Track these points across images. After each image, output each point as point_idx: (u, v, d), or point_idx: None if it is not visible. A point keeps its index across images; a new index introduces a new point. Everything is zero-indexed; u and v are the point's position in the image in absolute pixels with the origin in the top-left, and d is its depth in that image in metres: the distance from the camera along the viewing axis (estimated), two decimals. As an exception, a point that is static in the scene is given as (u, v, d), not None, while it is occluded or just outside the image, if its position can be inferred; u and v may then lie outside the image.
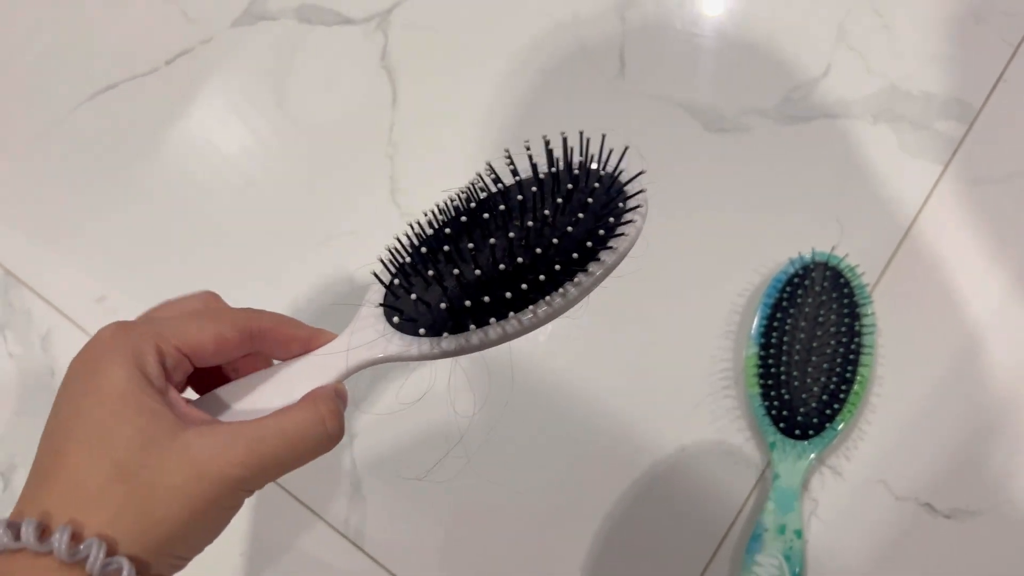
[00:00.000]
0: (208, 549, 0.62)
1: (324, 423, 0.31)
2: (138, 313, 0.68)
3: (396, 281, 0.35)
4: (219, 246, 0.70)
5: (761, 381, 0.56)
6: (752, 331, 0.58)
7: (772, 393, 0.56)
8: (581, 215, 0.34)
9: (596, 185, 0.36)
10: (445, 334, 0.33)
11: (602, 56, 0.71)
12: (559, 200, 0.34)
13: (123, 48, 0.77)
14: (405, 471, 0.62)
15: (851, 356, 0.55)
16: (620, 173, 0.38)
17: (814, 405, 0.55)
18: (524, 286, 0.32)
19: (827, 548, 0.56)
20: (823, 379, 0.55)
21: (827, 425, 0.55)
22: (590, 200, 0.35)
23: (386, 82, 0.73)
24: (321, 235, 0.69)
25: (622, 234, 0.36)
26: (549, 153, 0.38)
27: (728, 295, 0.63)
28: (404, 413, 0.63)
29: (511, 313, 0.33)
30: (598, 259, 0.35)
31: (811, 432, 0.55)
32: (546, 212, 0.33)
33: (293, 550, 0.61)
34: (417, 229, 0.37)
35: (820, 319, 0.56)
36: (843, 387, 0.55)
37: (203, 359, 0.31)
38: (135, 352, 0.30)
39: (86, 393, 0.28)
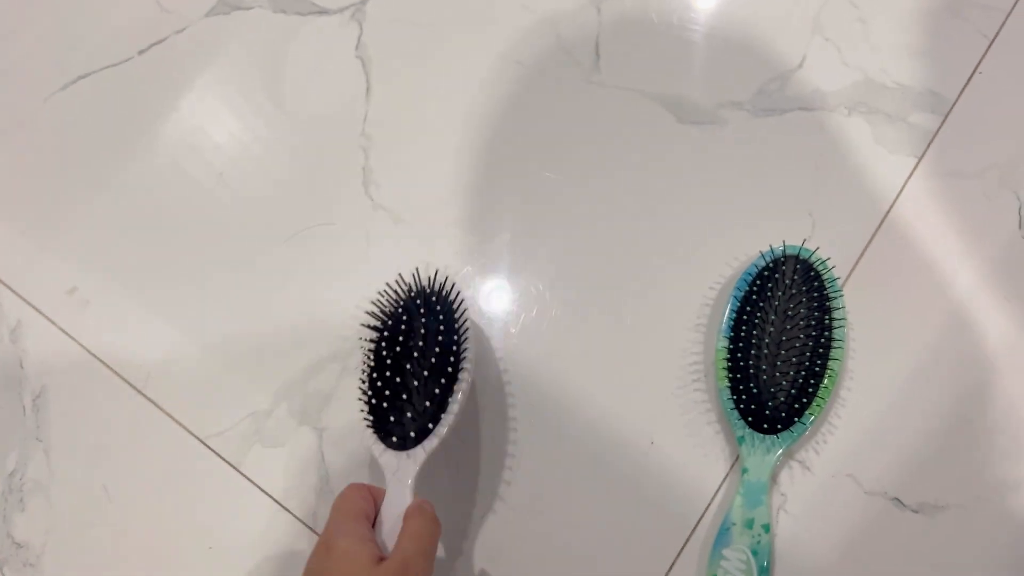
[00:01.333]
0: (176, 543, 0.61)
1: (425, 516, 0.49)
2: (107, 305, 0.67)
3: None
4: (190, 238, 0.69)
5: (730, 375, 0.56)
6: (722, 324, 0.58)
7: (741, 387, 0.55)
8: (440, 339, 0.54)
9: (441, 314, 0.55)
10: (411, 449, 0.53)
11: (578, 49, 0.70)
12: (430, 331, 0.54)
13: (96, 37, 0.76)
14: (374, 464, 0.62)
15: (820, 350, 0.55)
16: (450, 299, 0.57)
17: (783, 399, 0.54)
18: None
19: (795, 542, 0.56)
20: (792, 373, 0.55)
21: (796, 419, 0.54)
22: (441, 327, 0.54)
23: (360, 73, 0.73)
24: (293, 227, 0.68)
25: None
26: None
27: (700, 288, 0.62)
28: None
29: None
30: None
31: (780, 426, 0.54)
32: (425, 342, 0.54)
33: (261, 543, 0.61)
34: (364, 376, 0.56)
35: (790, 312, 0.56)
36: (812, 381, 0.54)
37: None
38: (357, 522, 0.49)
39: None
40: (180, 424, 0.64)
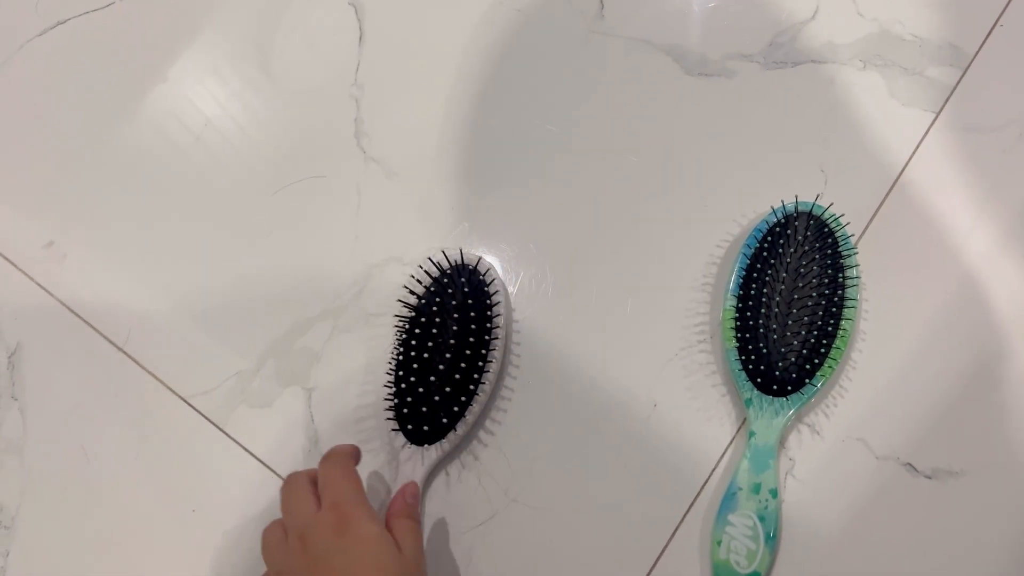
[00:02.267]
0: (158, 505, 0.59)
1: (411, 515, 0.50)
2: (86, 260, 0.64)
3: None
4: (174, 191, 0.66)
5: (738, 335, 0.54)
6: (730, 283, 0.55)
7: (750, 347, 0.53)
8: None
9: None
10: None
11: (581, -4, 0.67)
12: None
13: (75, -19, 0.73)
14: (364, 425, 0.59)
15: (833, 309, 0.52)
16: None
17: (793, 360, 0.52)
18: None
19: (804, 508, 0.54)
20: (803, 333, 0.52)
21: (806, 381, 0.52)
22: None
23: (353, 19, 0.69)
24: (282, 180, 0.65)
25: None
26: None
27: (706, 246, 0.60)
28: (362, 366, 0.60)
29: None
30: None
31: (789, 388, 0.52)
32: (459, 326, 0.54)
33: (246, 505, 0.58)
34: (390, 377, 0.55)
35: (802, 271, 0.53)
36: (824, 342, 0.52)
37: None
38: (362, 495, 0.48)
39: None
40: (162, 383, 0.62)
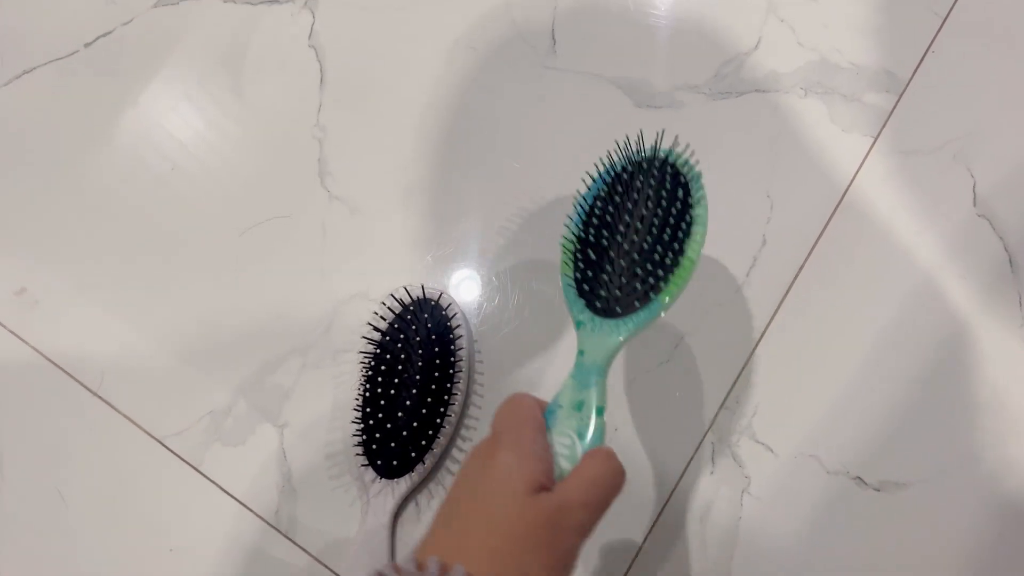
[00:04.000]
0: (136, 547, 0.60)
1: (609, 462, 0.40)
2: (57, 305, 0.66)
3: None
4: (143, 234, 0.68)
5: (580, 266, 0.49)
6: (573, 218, 0.51)
7: (590, 274, 0.48)
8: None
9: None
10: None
11: (534, 33, 0.69)
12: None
13: (40, 30, 0.74)
14: (335, 460, 0.61)
15: (677, 241, 0.46)
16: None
17: (636, 287, 0.46)
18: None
19: (761, 524, 0.56)
20: (641, 261, 0.46)
21: (637, 304, 0.46)
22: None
23: (314, 62, 0.71)
24: (249, 221, 0.67)
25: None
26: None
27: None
28: (331, 402, 0.62)
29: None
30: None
31: (619, 310, 0.46)
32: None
33: (223, 543, 0.60)
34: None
35: (645, 202, 0.48)
36: (667, 264, 0.46)
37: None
38: (520, 440, 0.40)
39: (477, 468, 0.40)
40: (137, 425, 0.63)
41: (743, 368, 0.59)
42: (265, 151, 0.69)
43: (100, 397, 0.64)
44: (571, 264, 0.49)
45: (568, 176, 0.65)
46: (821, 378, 0.59)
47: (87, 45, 0.74)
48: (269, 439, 0.61)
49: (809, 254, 0.61)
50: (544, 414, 0.44)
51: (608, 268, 0.47)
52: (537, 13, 0.69)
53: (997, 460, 0.56)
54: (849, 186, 0.62)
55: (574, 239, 0.50)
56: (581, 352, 0.47)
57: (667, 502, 0.57)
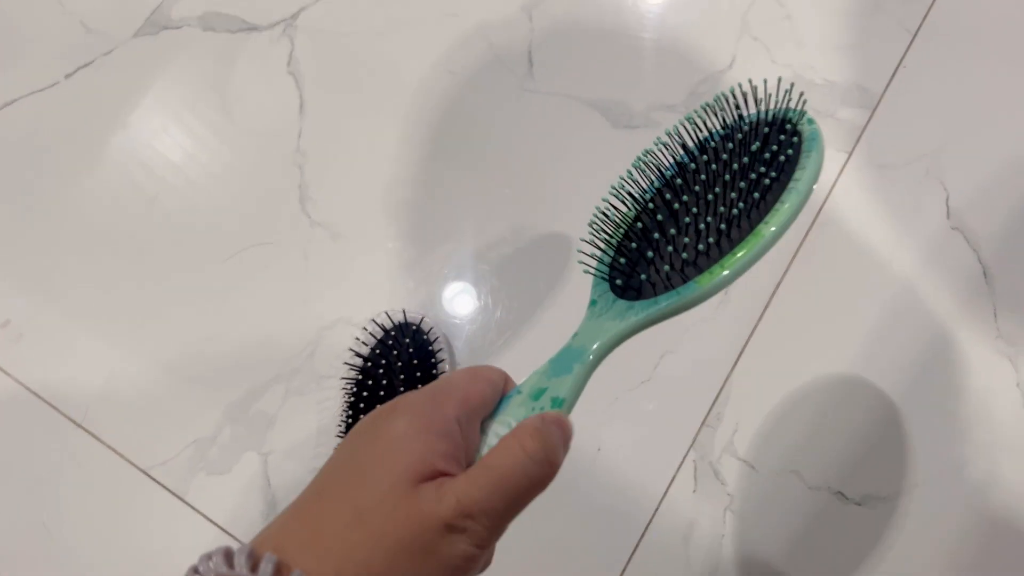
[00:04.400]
0: (121, 573, 0.60)
1: (524, 449, 0.29)
2: (42, 338, 0.66)
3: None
4: (126, 265, 0.68)
5: (626, 236, 0.38)
6: (638, 182, 0.40)
7: (633, 245, 0.37)
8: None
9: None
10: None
11: (511, 56, 0.70)
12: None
13: (20, 62, 0.75)
14: (321, 486, 0.61)
15: (756, 209, 0.34)
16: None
17: (679, 264, 0.35)
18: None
19: (743, 542, 0.56)
20: (702, 235, 0.35)
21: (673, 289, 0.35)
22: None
23: (293, 88, 0.72)
24: (231, 249, 0.67)
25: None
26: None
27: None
28: (315, 428, 0.62)
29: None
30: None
31: (635, 293, 0.36)
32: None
33: (208, 573, 0.60)
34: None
35: (730, 163, 0.36)
36: (728, 238, 0.34)
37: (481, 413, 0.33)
38: (427, 408, 0.30)
39: (363, 436, 0.30)
40: (122, 456, 0.63)
41: (723, 385, 0.60)
42: (246, 178, 0.69)
43: (85, 429, 0.64)
44: (612, 234, 0.39)
45: (547, 197, 0.65)
46: (801, 393, 0.59)
47: (68, 76, 0.74)
48: (253, 466, 0.61)
49: (787, 269, 0.62)
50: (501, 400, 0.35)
51: (657, 239, 0.37)
52: (514, 36, 0.70)
53: (978, 471, 0.56)
54: (825, 201, 0.63)
55: (633, 205, 0.39)
56: (575, 335, 0.37)
57: (650, 521, 0.57)
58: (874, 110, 0.65)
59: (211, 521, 0.61)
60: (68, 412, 0.64)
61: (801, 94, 0.35)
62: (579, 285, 0.63)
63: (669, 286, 0.35)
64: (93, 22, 0.75)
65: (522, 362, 0.62)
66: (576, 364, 0.34)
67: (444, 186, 0.67)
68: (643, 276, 0.36)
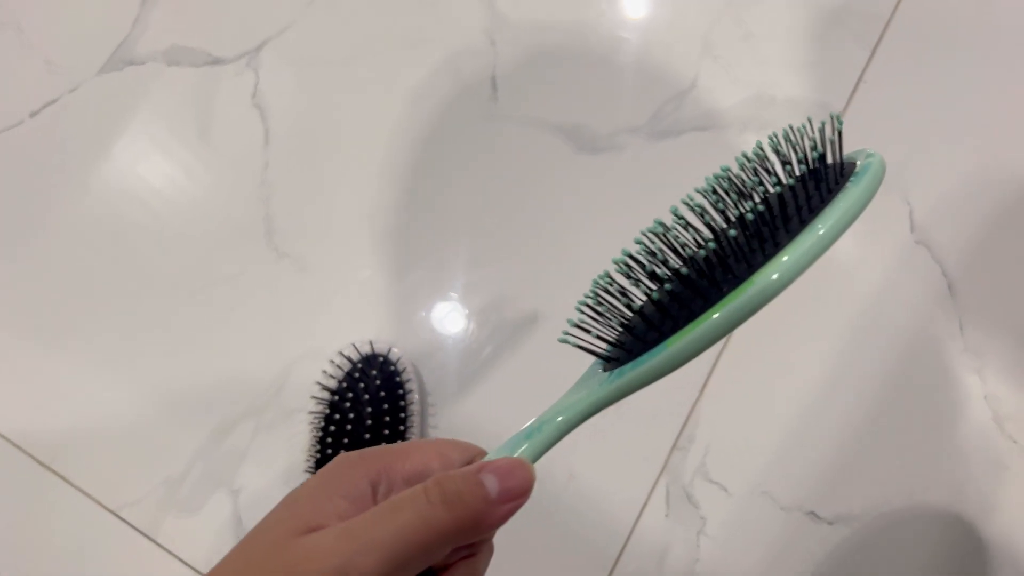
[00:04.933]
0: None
1: (425, 493, 0.27)
2: (7, 379, 0.65)
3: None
4: (93, 305, 0.68)
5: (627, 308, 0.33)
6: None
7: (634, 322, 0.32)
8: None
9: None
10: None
11: (475, 82, 0.70)
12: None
13: (-16, 103, 0.74)
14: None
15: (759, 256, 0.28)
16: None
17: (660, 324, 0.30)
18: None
19: (717, 565, 0.56)
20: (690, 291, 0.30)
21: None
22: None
23: (258, 121, 0.72)
24: (199, 284, 0.67)
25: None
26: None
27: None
28: (286, 463, 0.61)
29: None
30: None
31: (613, 359, 0.32)
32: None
33: (180, 615, 0.59)
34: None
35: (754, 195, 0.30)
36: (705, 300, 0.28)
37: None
38: (340, 470, 0.29)
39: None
40: (91, 498, 0.62)
41: (693, 407, 0.59)
42: (213, 213, 0.69)
43: (53, 471, 0.63)
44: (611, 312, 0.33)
45: (514, 223, 0.65)
46: (770, 412, 0.59)
47: (33, 115, 0.74)
48: (224, 505, 0.61)
49: (753, 290, 0.61)
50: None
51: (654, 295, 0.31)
52: (478, 62, 0.70)
53: (948, 485, 0.56)
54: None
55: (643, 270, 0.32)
56: (560, 401, 0.34)
57: (624, 547, 0.57)
58: (836, 126, 0.65)
59: (182, 561, 0.60)
60: (36, 454, 0.64)
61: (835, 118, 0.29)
62: (547, 314, 0.63)
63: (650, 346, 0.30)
64: (57, 59, 0.75)
65: (491, 390, 0.62)
66: (536, 433, 0.32)
67: (410, 215, 0.67)
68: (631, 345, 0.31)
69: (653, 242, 0.31)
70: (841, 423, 0.58)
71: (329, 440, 0.57)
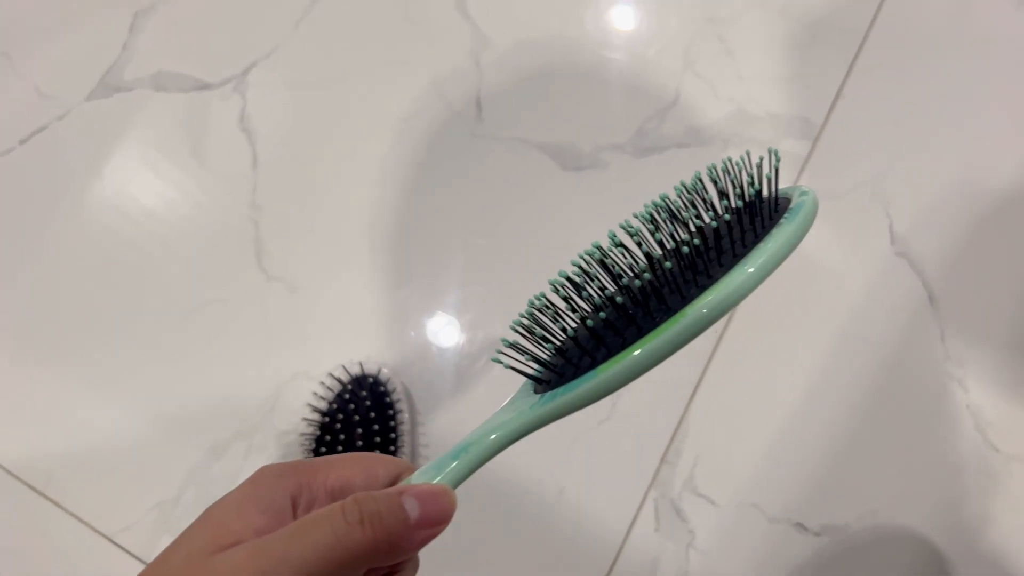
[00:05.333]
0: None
1: (343, 511, 0.26)
2: (1, 406, 0.66)
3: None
4: (85, 329, 0.68)
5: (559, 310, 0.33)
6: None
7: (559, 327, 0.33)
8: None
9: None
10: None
11: (461, 102, 0.71)
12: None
13: (-27, 131, 0.75)
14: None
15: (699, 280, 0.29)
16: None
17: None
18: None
19: (707, 577, 0.56)
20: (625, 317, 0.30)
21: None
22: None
23: (246, 144, 0.72)
24: (190, 306, 0.68)
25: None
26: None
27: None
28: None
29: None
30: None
31: (546, 381, 0.32)
32: None
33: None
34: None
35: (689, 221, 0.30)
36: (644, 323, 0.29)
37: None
38: (262, 483, 0.29)
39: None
40: (85, 523, 0.63)
41: (680, 420, 0.60)
42: (203, 236, 0.70)
43: (47, 497, 0.63)
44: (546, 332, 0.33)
45: (501, 241, 0.66)
46: (757, 425, 0.60)
47: (22, 142, 0.75)
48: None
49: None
50: None
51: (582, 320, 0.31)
52: (463, 82, 0.71)
53: (931, 495, 0.57)
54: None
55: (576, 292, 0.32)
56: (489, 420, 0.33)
57: (615, 562, 0.58)
58: (816, 140, 0.66)
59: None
60: (30, 480, 0.64)
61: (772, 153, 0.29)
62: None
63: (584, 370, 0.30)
64: (47, 86, 0.76)
65: (481, 408, 0.62)
66: (463, 454, 0.31)
67: (398, 235, 0.68)
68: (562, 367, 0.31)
69: (591, 265, 0.31)
70: (826, 434, 0.58)
71: (320, 461, 0.57)
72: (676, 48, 0.69)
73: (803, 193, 0.31)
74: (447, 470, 0.30)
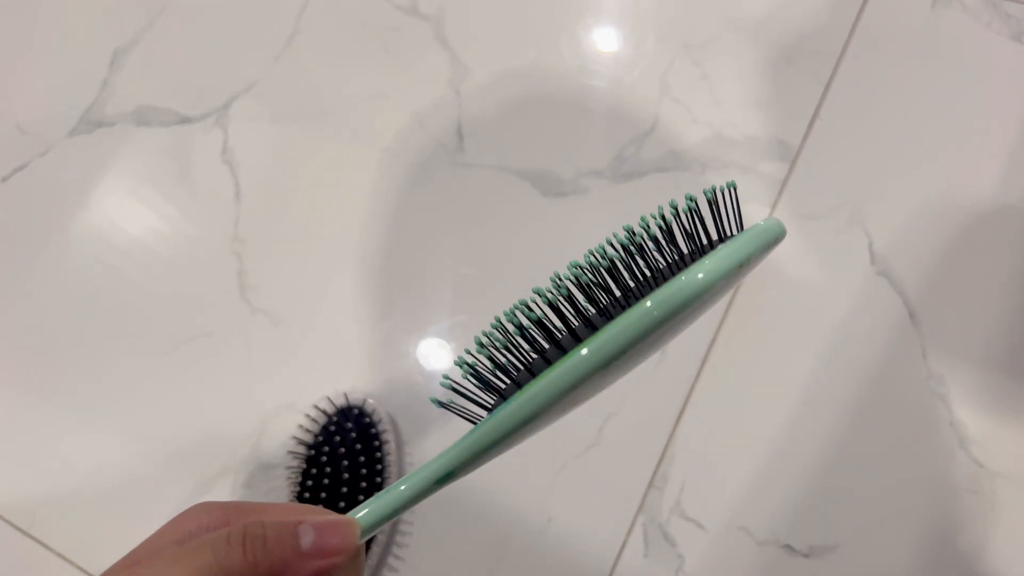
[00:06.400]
0: None
1: (226, 539, 0.26)
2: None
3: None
4: (67, 365, 0.68)
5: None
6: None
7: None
8: None
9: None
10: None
11: (441, 131, 0.71)
12: None
13: (-45, 170, 0.75)
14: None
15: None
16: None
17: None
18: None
19: (696, 602, 0.56)
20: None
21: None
22: None
23: (229, 177, 0.73)
24: (174, 341, 0.68)
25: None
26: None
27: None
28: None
29: None
30: None
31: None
32: None
33: None
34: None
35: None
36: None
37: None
38: (189, 516, 0.28)
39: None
40: (71, 563, 0.62)
41: (667, 445, 0.60)
42: (186, 270, 0.70)
43: (32, 537, 0.63)
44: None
45: (484, 270, 0.66)
46: (742, 447, 0.60)
47: (3, 180, 0.75)
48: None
49: (720, 324, 0.63)
50: None
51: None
52: (443, 111, 0.71)
53: (917, 513, 0.57)
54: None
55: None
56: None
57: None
58: (794, 162, 0.67)
59: None
60: (15, 520, 0.64)
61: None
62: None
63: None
64: (28, 124, 0.76)
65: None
66: (386, 495, 0.31)
67: (381, 265, 0.68)
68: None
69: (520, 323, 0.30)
70: (812, 455, 0.59)
71: (307, 496, 0.57)
72: (653, 74, 0.70)
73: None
74: (365, 511, 0.30)
